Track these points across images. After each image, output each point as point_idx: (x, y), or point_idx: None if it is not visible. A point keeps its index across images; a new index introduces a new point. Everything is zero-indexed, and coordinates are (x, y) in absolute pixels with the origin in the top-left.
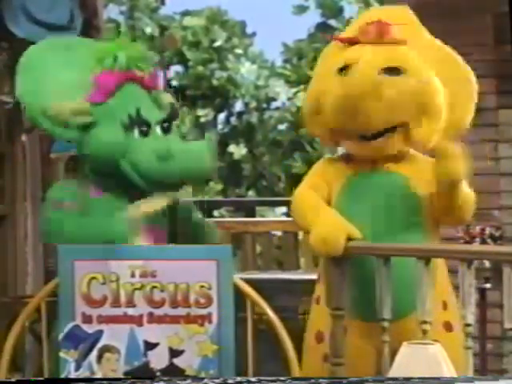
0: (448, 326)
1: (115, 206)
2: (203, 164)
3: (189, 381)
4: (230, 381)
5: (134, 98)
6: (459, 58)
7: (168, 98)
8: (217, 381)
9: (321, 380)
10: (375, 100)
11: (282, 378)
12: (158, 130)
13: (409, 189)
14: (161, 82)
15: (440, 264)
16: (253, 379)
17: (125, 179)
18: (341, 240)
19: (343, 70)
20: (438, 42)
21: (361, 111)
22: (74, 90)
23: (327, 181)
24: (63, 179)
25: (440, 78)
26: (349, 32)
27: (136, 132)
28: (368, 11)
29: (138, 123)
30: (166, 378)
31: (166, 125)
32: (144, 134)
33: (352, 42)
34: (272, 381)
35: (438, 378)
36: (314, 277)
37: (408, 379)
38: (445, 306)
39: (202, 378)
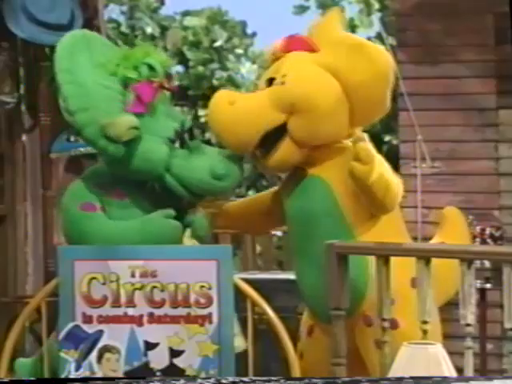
0: (394, 324)
1: (139, 209)
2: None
3: (182, 381)
4: (223, 381)
5: (166, 109)
6: (372, 49)
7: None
8: (211, 381)
9: (315, 380)
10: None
11: (274, 378)
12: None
13: (328, 193)
14: (175, 86)
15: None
16: (246, 379)
17: (158, 188)
18: None
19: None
20: (348, 36)
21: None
22: (114, 102)
23: (269, 197)
24: (77, 180)
25: (347, 69)
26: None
27: (177, 145)
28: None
29: (181, 136)
30: (159, 378)
31: (184, 135)
32: (182, 146)
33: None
34: (266, 381)
35: (429, 378)
36: None
37: (400, 379)
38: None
39: (195, 378)
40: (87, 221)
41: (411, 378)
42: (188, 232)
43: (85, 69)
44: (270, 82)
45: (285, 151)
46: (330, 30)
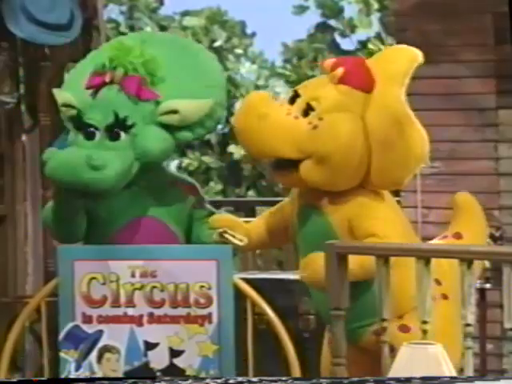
0: (405, 328)
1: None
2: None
3: (190, 381)
4: (231, 381)
5: (101, 101)
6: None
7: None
8: (219, 381)
9: (322, 380)
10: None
11: (283, 378)
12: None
13: (330, 230)
14: (135, 87)
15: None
16: (254, 379)
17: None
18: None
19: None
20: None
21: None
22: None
23: (286, 209)
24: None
25: (385, 144)
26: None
27: (80, 136)
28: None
29: (82, 126)
30: (167, 378)
31: (114, 131)
32: (89, 137)
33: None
34: (273, 381)
35: (437, 378)
36: None
37: (409, 379)
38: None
39: (204, 378)
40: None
41: (421, 378)
42: None
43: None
44: (307, 105)
45: (292, 180)
46: (391, 79)
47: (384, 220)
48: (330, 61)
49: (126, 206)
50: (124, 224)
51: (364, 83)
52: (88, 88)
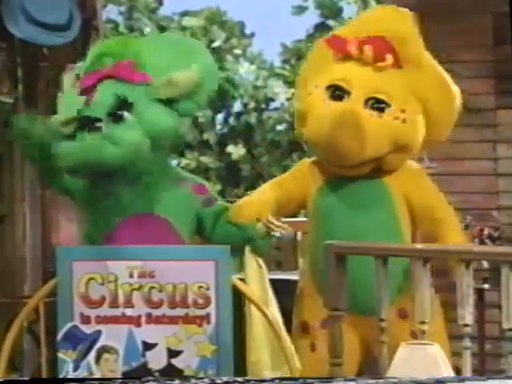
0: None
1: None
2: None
3: (177, 381)
4: (218, 381)
5: (97, 96)
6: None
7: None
8: (205, 381)
9: (308, 380)
10: (353, 141)
11: (268, 378)
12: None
13: (386, 193)
14: (127, 71)
15: None
16: (239, 379)
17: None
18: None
19: (332, 87)
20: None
21: (337, 152)
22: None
23: (301, 181)
24: None
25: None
26: (343, 32)
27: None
28: (368, 12)
29: (86, 124)
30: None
31: (116, 114)
32: (94, 131)
33: (345, 54)
34: (260, 381)
35: (433, 379)
36: None
37: (388, 378)
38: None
39: (190, 378)
40: None
41: (428, 379)
42: (248, 248)
43: None
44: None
45: (361, 171)
46: (409, 43)
47: (433, 189)
48: (353, 42)
49: (130, 200)
50: (127, 217)
51: (396, 61)
52: (84, 91)
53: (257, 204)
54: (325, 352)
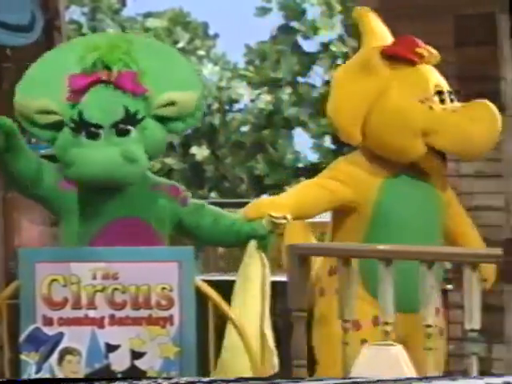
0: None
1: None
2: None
3: (145, 381)
4: (181, 381)
5: (98, 100)
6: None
7: (126, 102)
8: (171, 381)
9: (280, 380)
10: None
11: (232, 379)
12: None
13: (438, 197)
14: (131, 83)
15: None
16: (205, 379)
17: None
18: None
19: (436, 94)
20: None
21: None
22: (49, 89)
23: (347, 182)
24: None
25: None
26: (377, 40)
27: (83, 135)
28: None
29: (84, 126)
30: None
31: (121, 127)
32: (93, 136)
33: (412, 61)
34: (225, 381)
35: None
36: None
37: (355, 378)
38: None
39: (156, 378)
40: None
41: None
42: (253, 242)
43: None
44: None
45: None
46: None
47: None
48: (422, 45)
49: (110, 205)
50: (108, 222)
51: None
52: (74, 89)
53: (269, 204)
54: None
